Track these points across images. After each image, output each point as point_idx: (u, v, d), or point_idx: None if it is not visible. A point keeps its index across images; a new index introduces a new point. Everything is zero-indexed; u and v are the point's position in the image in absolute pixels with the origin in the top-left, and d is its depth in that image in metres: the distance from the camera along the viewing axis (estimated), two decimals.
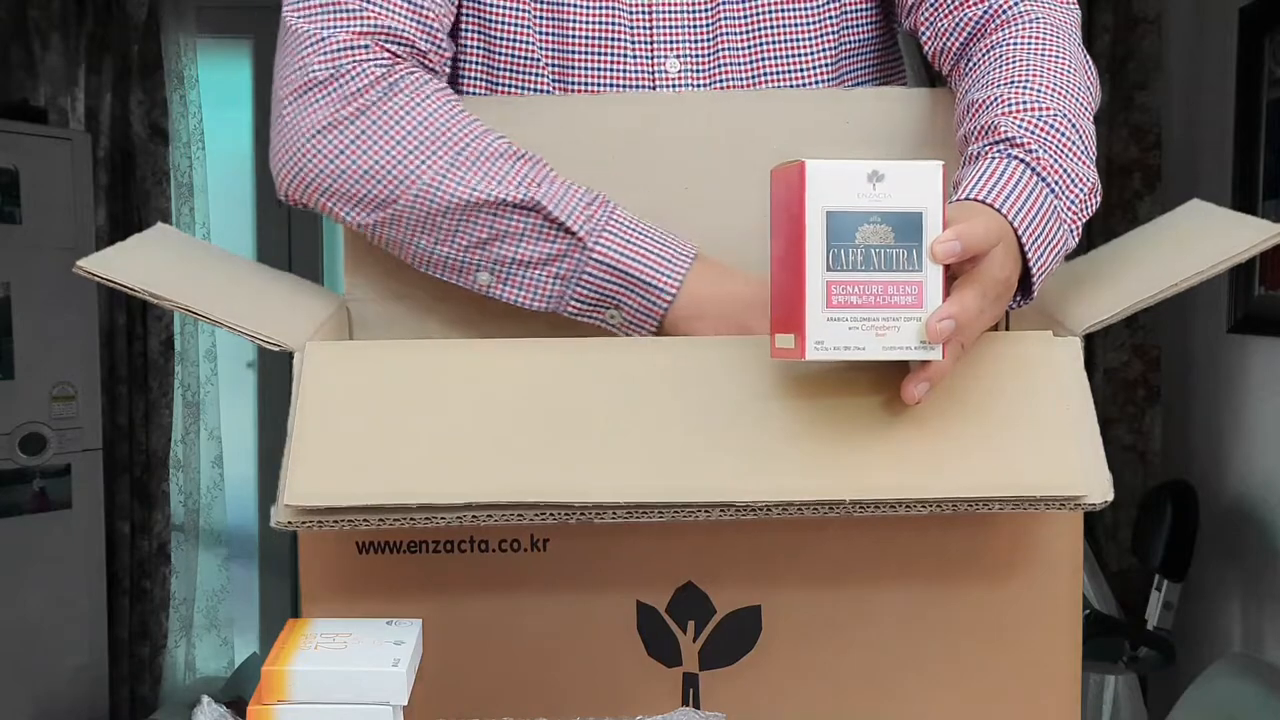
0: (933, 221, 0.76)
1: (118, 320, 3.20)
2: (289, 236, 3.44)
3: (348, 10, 0.98)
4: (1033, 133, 0.88)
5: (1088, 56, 0.99)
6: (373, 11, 0.98)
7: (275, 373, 3.23)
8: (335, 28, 0.98)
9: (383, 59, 0.98)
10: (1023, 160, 0.86)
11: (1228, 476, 2.55)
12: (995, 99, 0.92)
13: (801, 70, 1.10)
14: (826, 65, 1.10)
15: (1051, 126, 0.89)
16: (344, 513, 0.76)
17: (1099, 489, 0.76)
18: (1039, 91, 0.91)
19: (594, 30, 1.07)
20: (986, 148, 0.89)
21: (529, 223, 0.95)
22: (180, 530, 3.34)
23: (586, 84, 1.07)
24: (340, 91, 0.96)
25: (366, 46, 0.98)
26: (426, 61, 1.02)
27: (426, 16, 1.01)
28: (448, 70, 1.07)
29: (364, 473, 0.77)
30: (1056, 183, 0.86)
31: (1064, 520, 0.86)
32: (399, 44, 1.00)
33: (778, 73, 1.09)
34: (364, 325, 1.04)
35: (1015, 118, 0.89)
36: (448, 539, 0.85)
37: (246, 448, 3.50)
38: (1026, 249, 0.83)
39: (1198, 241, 0.90)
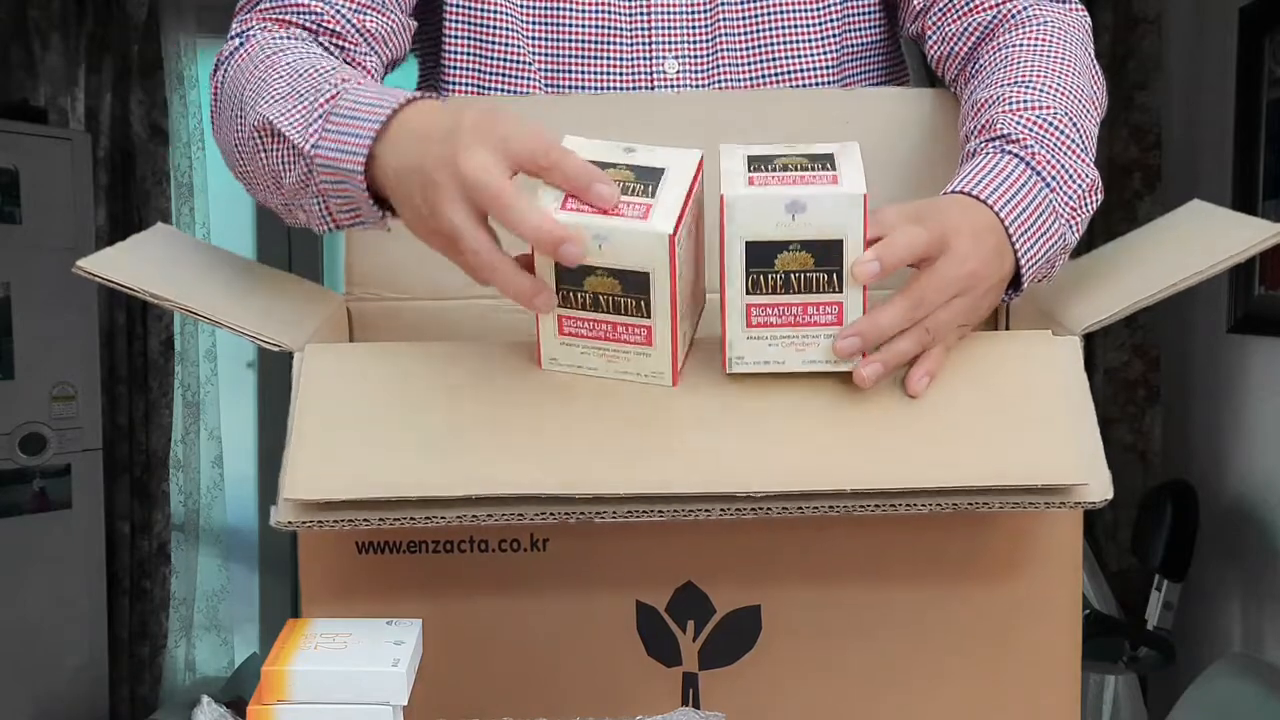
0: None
1: (118, 320, 3.20)
2: (289, 236, 3.43)
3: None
4: (1030, 130, 0.88)
5: (1096, 63, 0.99)
6: None
7: (275, 373, 3.22)
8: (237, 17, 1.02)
9: (240, 32, 0.99)
10: (1017, 155, 0.86)
11: (1228, 476, 2.55)
12: (997, 98, 0.92)
13: (803, 71, 1.09)
14: (829, 67, 1.10)
15: (1050, 124, 0.89)
16: (344, 508, 0.76)
17: (1098, 484, 0.76)
18: (1041, 91, 0.91)
19: (589, 33, 1.06)
20: (983, 144, 0.89)
21: (281, 148, 0.86)
22: (180, 530, 3.34)
23: (582, 86, 1.07)
24: (215, 75, 0.98)
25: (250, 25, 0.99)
26: (321, 23, 0.99)
27: None
28: (382, 24, 1.01)
29: (364, 469, 0.77)
30: (1053, 178, 0.86)
31: (1064, 520, 0.86)
32: (289, 12, 1.00)
33: (779, 74, 1.09)
34: (364, 325, 1.04)
35: (1014, 115, 0.89)
36: (447, 539, 0.85)
37: (246, 448, 3.49)
38: (1015, 240, 0.83)
39: (1198, 241, 0.90)
